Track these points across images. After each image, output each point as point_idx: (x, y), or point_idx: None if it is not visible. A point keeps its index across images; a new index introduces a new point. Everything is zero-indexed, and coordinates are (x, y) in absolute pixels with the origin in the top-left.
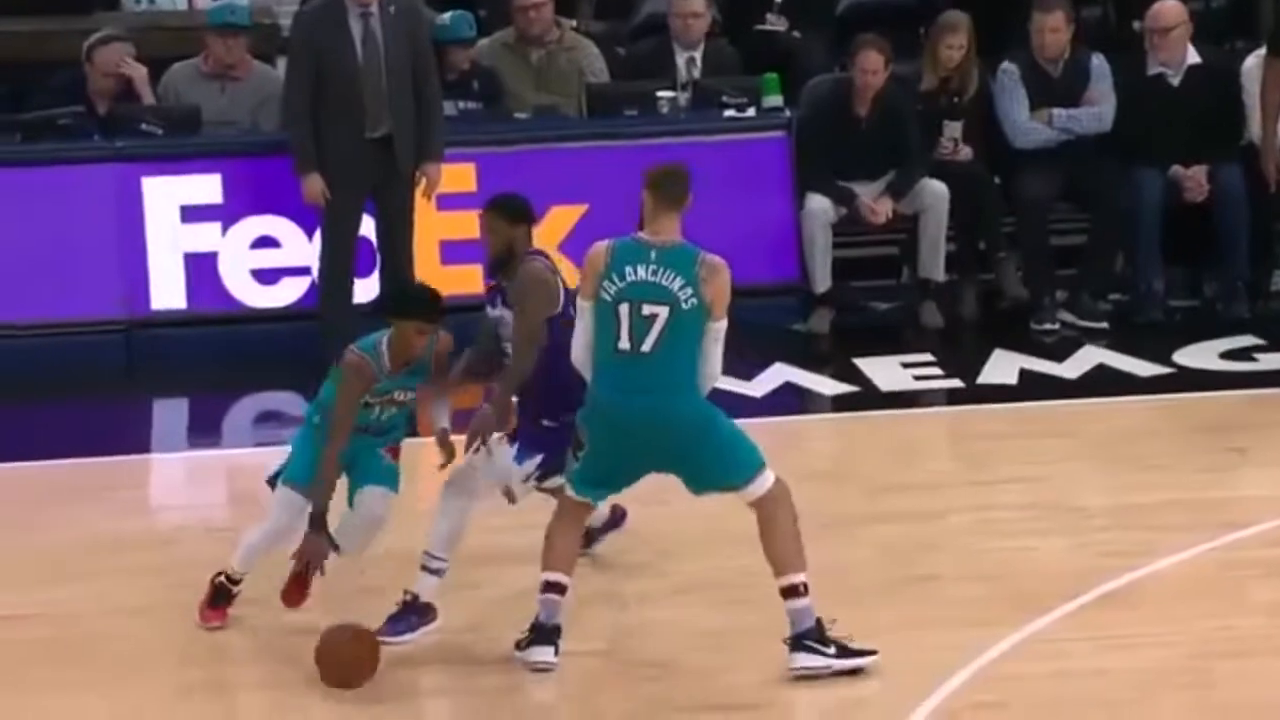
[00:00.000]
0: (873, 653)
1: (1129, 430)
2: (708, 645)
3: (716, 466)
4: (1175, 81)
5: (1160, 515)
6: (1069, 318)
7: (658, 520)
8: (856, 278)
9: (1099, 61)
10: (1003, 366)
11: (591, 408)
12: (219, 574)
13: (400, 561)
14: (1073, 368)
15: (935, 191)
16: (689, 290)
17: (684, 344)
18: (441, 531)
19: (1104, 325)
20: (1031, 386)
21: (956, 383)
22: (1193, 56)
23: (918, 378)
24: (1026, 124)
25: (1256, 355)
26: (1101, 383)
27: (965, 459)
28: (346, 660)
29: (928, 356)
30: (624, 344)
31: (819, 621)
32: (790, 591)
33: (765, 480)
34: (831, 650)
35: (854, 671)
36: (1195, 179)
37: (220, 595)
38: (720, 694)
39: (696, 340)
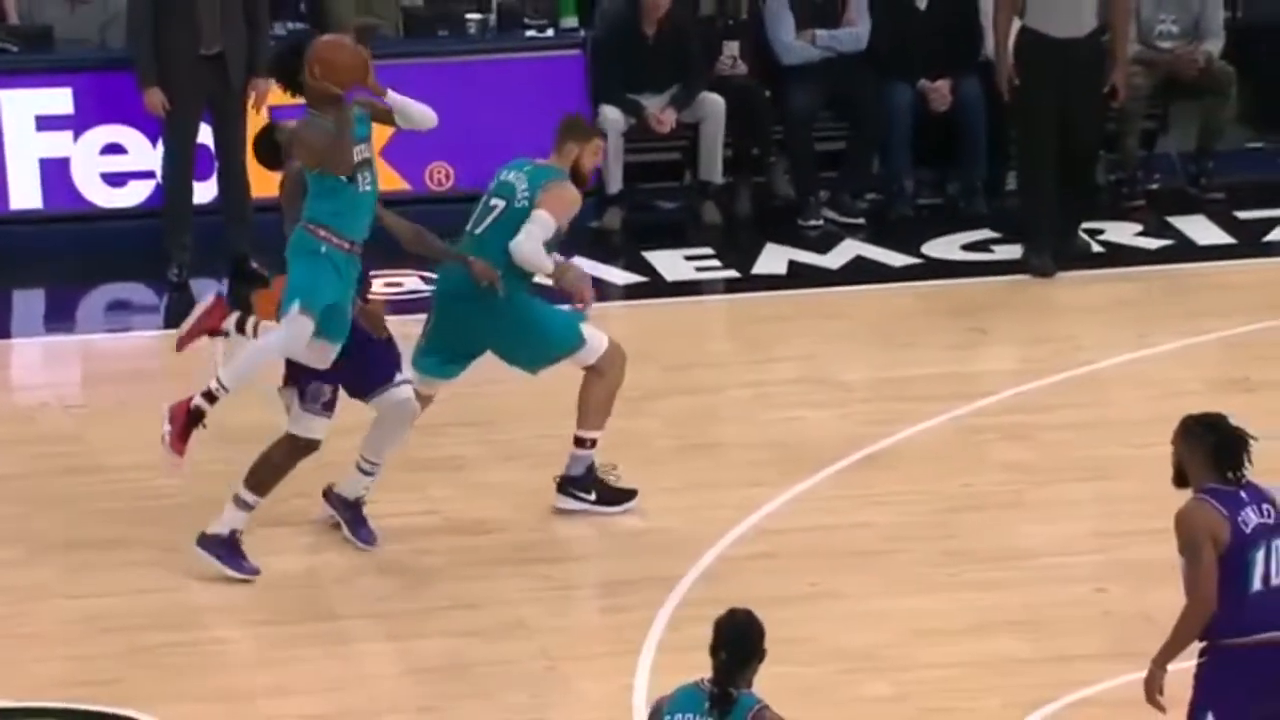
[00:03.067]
0: (631, 494)
1: (885, 313)
2: (531, 504)
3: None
4: (922, 5)
5: (913, 388)
6: (831, 215)
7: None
8: (645, 180)
9: None
10: (774, 258)
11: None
12: (192, 398)
13: None
14: (835, 259)
15: (714, 103)
16: (528, 195)
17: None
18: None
19: (861, 221)
20: (799, 276)
21: (733, 273)
22: None
23: (699, 269)
24: (793, 43)
25: (993, 247)
26: (860, 272)
27: (743, 340)
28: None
29: (708, 250)
30: (469, 226)
31: (589, 470)
32: (577, 441)
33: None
34: (591, 496)
35: (617, 508)
36: (940, 91)
37: (195, 418)
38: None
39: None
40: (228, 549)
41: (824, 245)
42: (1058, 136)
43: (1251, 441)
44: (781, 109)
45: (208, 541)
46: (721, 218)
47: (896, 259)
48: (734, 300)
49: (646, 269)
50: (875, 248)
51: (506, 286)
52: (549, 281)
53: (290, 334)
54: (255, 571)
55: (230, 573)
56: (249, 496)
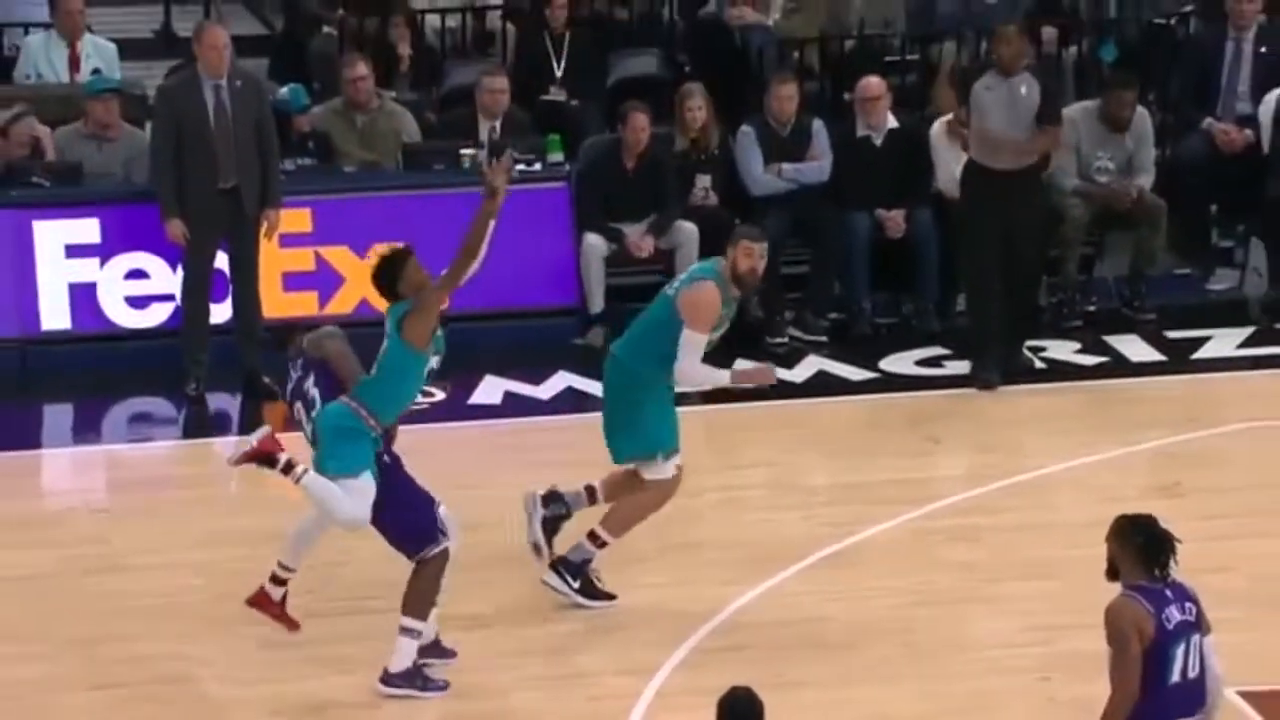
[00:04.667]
0: (610, 597)
1: (846, 423)
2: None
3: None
4: (878, 142)
5: (871, 492)
6: (796, 333)
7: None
8: (626, 300)
9: (819, 125)
10: None
11: None
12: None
13: None
14: (800, 373)
15: (688, 231)
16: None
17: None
18: None
19: (824, 339)
20: (768, 390)
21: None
22: (892, 122)
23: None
24: (761, 177)
25: (945, 362)
26: (823, 386)
27: (717, 448)
28: None
29: None
30: None
31: (585, 563)
32: (591, 535)
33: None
34: (577, 584)
35: (594, 603)
36: (895, 219)
37: (274, 599)
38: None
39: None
40: (415, 679)
41: (790, 361)
42: (1002, 261)
43: (1177, 543)
44: None
45: (394, 680)
46: None
47: (856, 373)
48: (708, 411)
49: None
50: (837, 363)
51: (646, 376)
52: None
53: (353, 506)
54: (444, 686)
55: (429, 696)
56: (412, 623)
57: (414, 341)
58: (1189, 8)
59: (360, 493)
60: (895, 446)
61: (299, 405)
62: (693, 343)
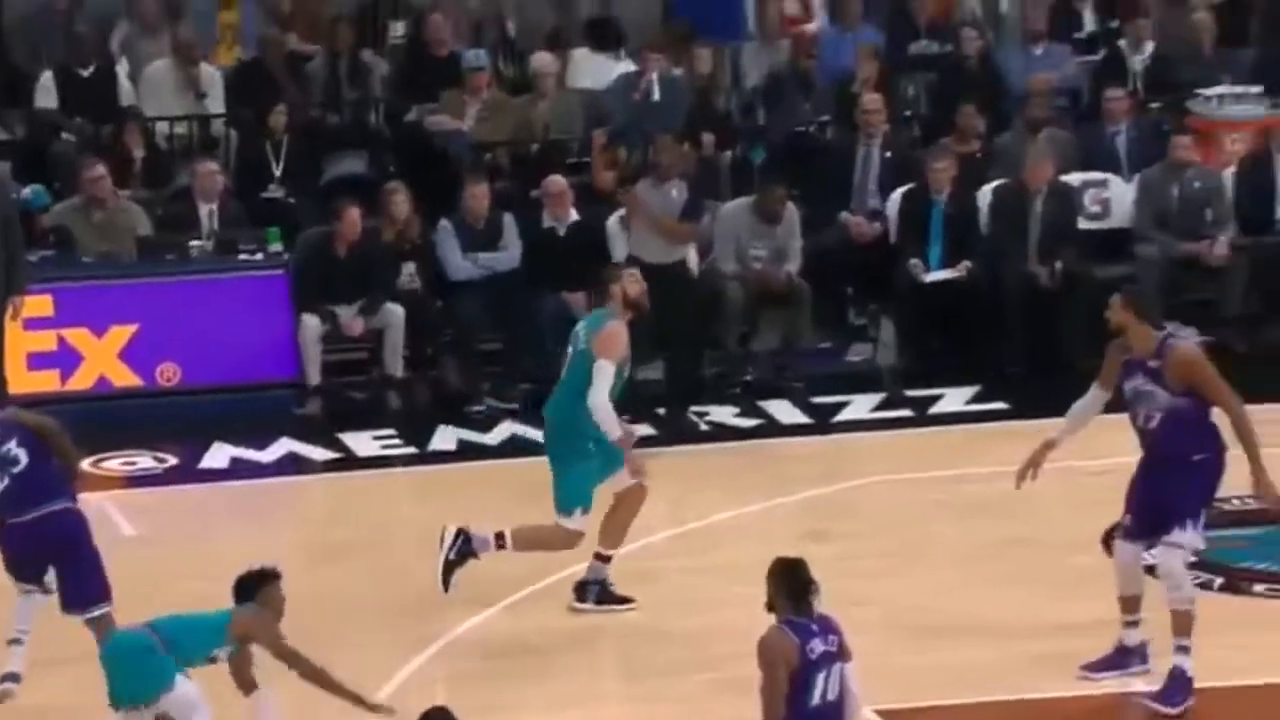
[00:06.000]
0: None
1: (539, 481)
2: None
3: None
4: (562, 232)
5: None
6: (492, 401)
7: None
8: (339, 374)
9: (509, 218)
10: (446, 437)
11: None
12: None
13: None
14: (495, 437)
15: (395, 312)
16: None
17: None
18: None
19: (517, 406)
20: (467, 452)
21: (413, 450)
22: (574, 215)
23: (385, 447)
24: (459, 264)
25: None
26: (517, 448)
27: (426, 505)
28: None
29: (392, 431)
30: None
31: (592, 583)
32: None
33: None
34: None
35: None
36: (579, 300)
37: None
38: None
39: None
40: None
41: (487, 426)
42: (661, 338)
43: (818, 585)
44: (451, 316)
45: None
46: (403, 405)
47: None
48: (414, 472)
49: (342, 448)
50: (529, 427)
51: (581, 425)
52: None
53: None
54: None
55: None
56: None
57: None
58: (826, 118)
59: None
60: None
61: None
62: (603, 372)
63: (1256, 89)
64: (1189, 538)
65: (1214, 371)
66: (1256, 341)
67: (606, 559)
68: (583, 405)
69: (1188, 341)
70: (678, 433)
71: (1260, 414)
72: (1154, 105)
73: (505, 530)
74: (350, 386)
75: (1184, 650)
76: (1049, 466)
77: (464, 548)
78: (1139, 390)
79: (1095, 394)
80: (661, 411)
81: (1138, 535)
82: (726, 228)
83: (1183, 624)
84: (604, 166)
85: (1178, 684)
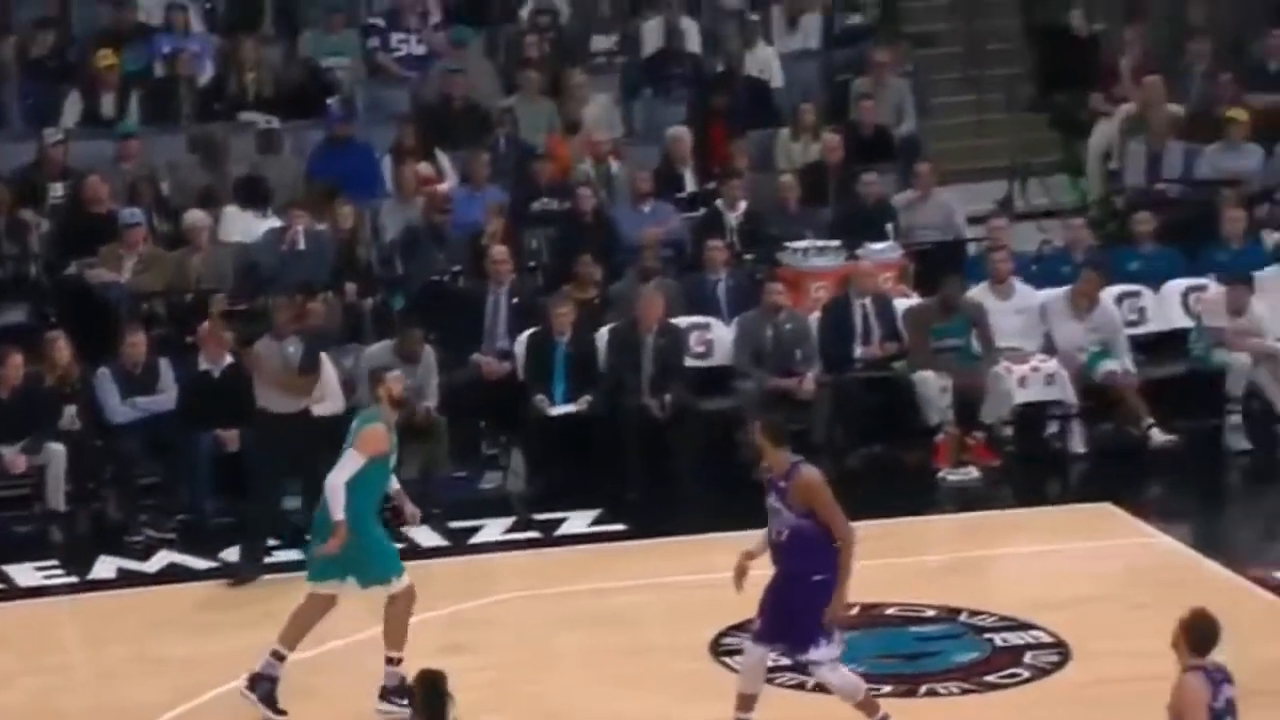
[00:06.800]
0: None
1: (194, 604)
2: None
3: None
4: (217, 375)
5: (221, 659)
6: (150, 531)
7: None
8: (3, 509)
9: (165, 363)
10: (106, 566)
11: None
12: None
13: None
14: (153, 565)
15: (57, 451)
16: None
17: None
18: None
19: (173, 536)
20: (126, 579)
21: (74, 579)
22: (228, 358)
23: (48, 577)
24: (118, 407)
25: (274, 552)
26: (173, 575)
27: (80, 630)
28: None
29: (54, 562)
30: None
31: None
32: (388, 660)
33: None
34: (404, 702)
35: None
36: (230, 438)
37: None
38: None
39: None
40: None
41: (145, 554)
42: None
43: (453, 696)
44: (111, 453)
45: None
46: (65, 536)
47: (201, 563)
48: (77, 600)
49: (4, 578)
50: (186, 555)
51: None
52: None
53: None
54: None
55: None
56: None
57: None
58: (458, 267)
59: None
60: (235, 620)
61: None
62: (350, 461)
63: (835, 243)
64: (824, 653)
65: (830, 498)
66: (841, 467)
67: (398, 660)
68: (364, 499)
69: (812, 468)
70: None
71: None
72: (748, 257)
73: (275, 646)
74: (14, 520)
75: None
76: (658, 582)
77: (265, 687)
78: (771, 507)
79: None
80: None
81: (766, 639)
82: (369, 368)
83: (868, 708)
84: (221, 330)
85: None
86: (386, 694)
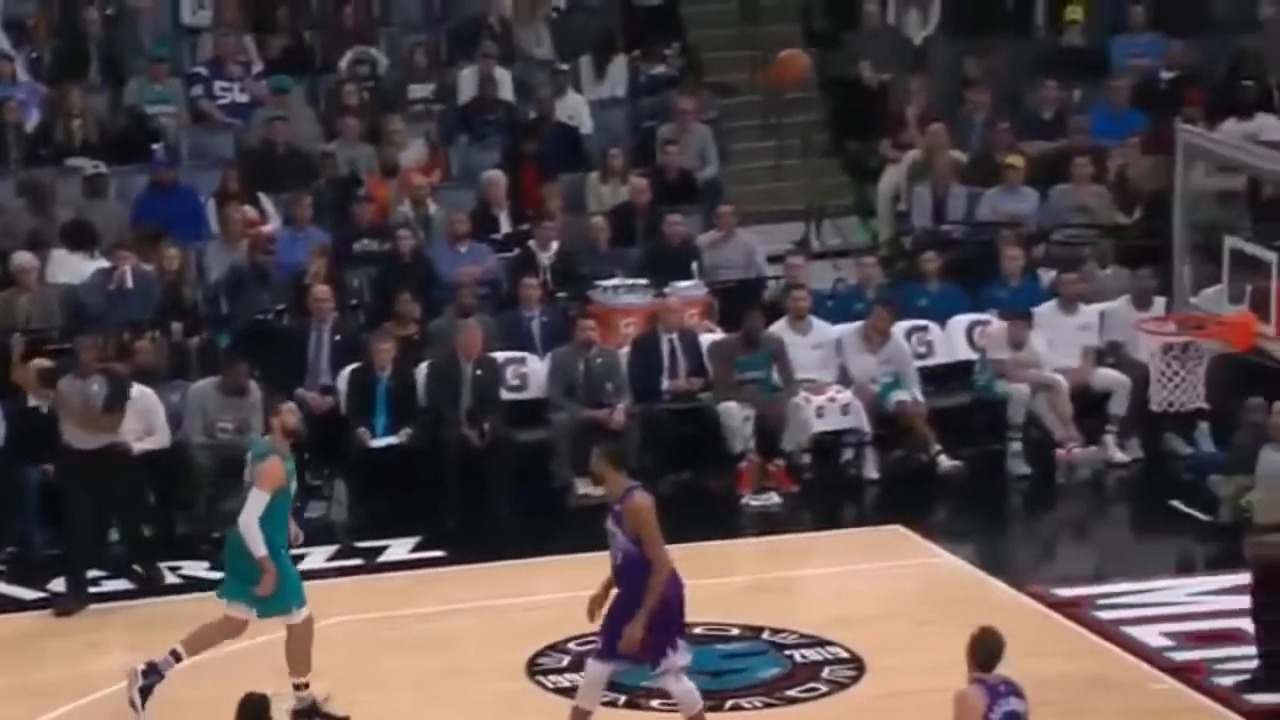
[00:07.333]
0: None
1: (25, 633)
2: None
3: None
4: (45, 410)
5: (38, 687)
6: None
7: None
8: None
9: None
10: None
11: None
12: None
13: None
14: None
15: None
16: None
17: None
18: None
19: (2, 568)
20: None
21: None
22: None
23: None
24: None
25: (103, 582)
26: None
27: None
28: None
29: None
30: None
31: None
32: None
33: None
34: None
35: None
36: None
37: None
38: None
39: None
40: None
41: None
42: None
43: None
44: None
45: None
46: None
47: (29, 594)
48: None
49: None
50: (15, 587)
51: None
52: None
53: None
54: None
55: None
56: None
57: None
58: (282, 306)
59: None
60: (57, 650)
61: None
62: (256, 500)
63: (644, 281)
64: (668, 663)
65: (653, 526)
66: (652, 493)
67: (306, 685)
68: (271, 531)
69: (644, 495)
70: (152, 586)
71: None
72: (561, 294)
73: (176, 646)
74: None
75: None
76: (476, 606)
77: (149, 676)
78: (608, 530)
79: None
80: (137, 568)
81: (606, 657)
82: (195, 403)
83: None
84: (26, 372)
85: None
86: (298, 717)
